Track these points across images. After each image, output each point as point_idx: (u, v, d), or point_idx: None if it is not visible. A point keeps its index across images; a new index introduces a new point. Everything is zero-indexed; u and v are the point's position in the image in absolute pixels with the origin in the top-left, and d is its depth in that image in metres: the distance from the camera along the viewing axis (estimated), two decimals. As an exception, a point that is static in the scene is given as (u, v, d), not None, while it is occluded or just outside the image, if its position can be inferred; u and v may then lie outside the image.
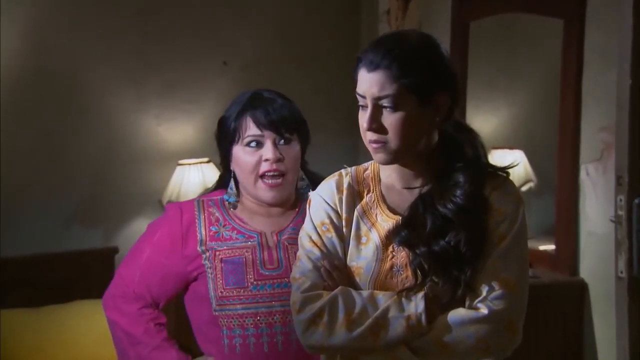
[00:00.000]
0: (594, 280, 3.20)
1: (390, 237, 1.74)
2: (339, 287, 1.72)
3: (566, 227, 3.29)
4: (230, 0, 4.45)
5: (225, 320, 2.04)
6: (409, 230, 1.71)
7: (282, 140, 2.07)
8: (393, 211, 1.77)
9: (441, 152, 1.76)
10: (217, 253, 2.07)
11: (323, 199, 1.81)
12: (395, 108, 1.67)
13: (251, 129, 2.07)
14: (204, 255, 2.08)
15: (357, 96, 1.72)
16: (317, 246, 1.78)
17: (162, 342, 2.11)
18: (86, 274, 3.85)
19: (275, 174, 2.07)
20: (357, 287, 1.75)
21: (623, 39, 2.89)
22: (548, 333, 3.16)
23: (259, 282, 2.04)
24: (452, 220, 1.68)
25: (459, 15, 3.92)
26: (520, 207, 1.73)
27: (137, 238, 2.23)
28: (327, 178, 1.86)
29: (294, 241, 2.03)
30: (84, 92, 4.12)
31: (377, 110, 1.68)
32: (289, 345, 2.02)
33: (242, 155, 2.08)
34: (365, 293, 1.71)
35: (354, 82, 1.73)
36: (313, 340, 1.71)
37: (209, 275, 2.06)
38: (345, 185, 1.81)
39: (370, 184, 1.82)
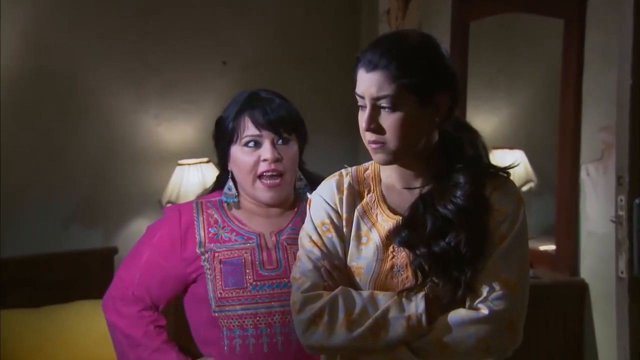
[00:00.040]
0: (594, 280, 3.20)
1: (390, 237, 1.73)
2: (339, 287, 1.72)
3: (566, 227, 3.28)
4: (230, 0, 4.45)
5: (224, 321, 2.03)
6: (409, 231, 1.70)
7: (281, 140, 2.07)
8: (393, 211, 1.76)
9: (441, 152, 1.75)
10: (216, 254, 2.06)
11: (323, 199, 1.81)
12: (393, 108, 1.67)
13: (249, 129, 2.06)
14: (202, 257, 2.07)
15: (357, 96, 1.71)
16: (318, 246, 1.77)
17: (161, 344, 2.10)
18: (86, 274, 3.86)
19: (274, 174, 2.06)
20: (357, 287, 1.74)
21: (623, 38, 2.88)
22: (548, 333, 3.16)
23: (258, 283, 2.04)
24: (452, 221, 1.68)
25: (459, 15, 3.92)
26: (521, 208, 1.72)
27: (136, 238, 2.23)
28: (327, 178, 1.86)
29: (292, 241, 2.03)
30: (84, 92, 4.12)
31: (375, 110, 1.68)
32: (289, 346, 2.01)
33: (240, 156, 2.08)
34: (365, 293, 1.71)
35: (353, 82, 1.72)
36: (313, 341, 1.71)
37: (208, 276, 2.05)
38: (345, 185, 1.81)
39: (371, 183, 1.82)
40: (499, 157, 3.63)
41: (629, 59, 2.85)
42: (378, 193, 1.80)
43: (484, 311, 1.65)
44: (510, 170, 1.77)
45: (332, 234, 1.78)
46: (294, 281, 1.77)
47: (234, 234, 2.09)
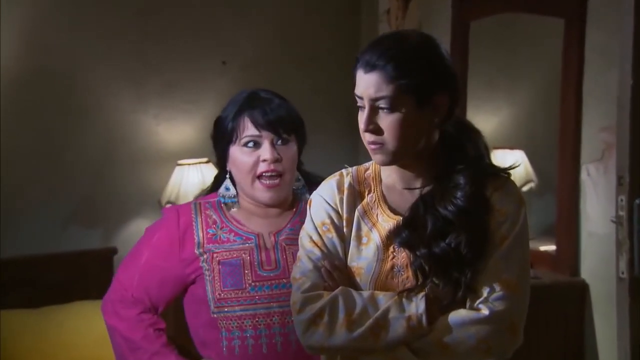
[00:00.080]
0: (594, 280, 3.20)
1: (391, 238, 1.73)
2: (340, 288, 1.72)
3: (567, 228, 3.28)
4: (230, 0, 4.45)
5: (223, 322, 2.03)
6: (409, 231, 1.70)
7: (280, 141, 2.07)
8: (394, 211, 1.76)
9: (442, 152, 1.75)
10: (215, 255, 2.06)
11: (324, 199, 1.80)
12: (391, 109, 1.66)
13: (249, 129, 2.06)
14: (201, 258, 2.07)
15: (356, 97, 1.71)
16: (318, 246, 1.77)
17: (161, 347, 2.09)
18: (85, 275, 3.85)
19: (273, 174, 2.06)
20: (357, 288, 1.74)
21: (624, 38, 2.88)
22: (549, 334, 3.15)
23: (257, 284, 2.03)
24: (452, 222, 1.68)
25: (459, 15, 3.91)
26: (521, 208, 1.72)
27: (136, 239, 2.23)
28: (327, 178, 1.85)
29: (291, 242, 2.03)
30: (84, 92, 4.12)
31: (374, 111, 1.68)
32: (288, 346, 2.01)
33: (239, 156, 2.07)
34: (365, 293, 1.71)
35: (353, 82, 1.72)
36: (313, 341, 1.70)
37: (207, 277, 2.05)
38: (346, 185, 1.81)
39: (371, 184, 1.81)
40: (500, 157, 3.63)
41: (629, 58, 2.85)
42: (378, 193, 1.79)
43: (485, 312, 1.65)
44: (511, 171, 1.77)
45: (333, 234, 1.77)
46: (294, 281, 1.76)
47: (233, 234, 2.09)
